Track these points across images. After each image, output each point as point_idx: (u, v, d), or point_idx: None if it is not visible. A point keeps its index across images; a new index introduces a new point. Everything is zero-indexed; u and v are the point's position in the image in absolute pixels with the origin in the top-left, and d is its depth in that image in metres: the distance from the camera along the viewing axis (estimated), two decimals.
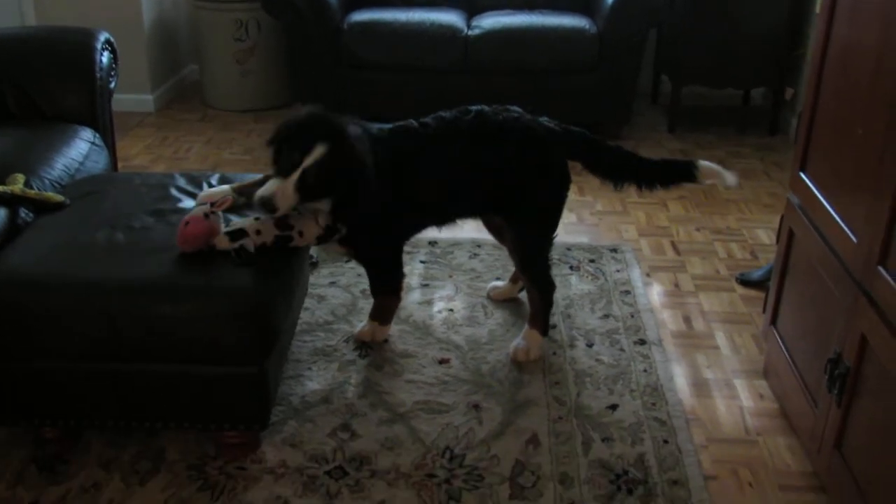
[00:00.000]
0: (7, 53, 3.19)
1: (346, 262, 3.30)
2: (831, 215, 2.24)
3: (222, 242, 2.26)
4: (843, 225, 2.16)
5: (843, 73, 2.25)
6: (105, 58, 3.24)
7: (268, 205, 2.26)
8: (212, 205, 2.30)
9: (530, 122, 2.65)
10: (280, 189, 2.27)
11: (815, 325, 2.35)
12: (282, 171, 2.30)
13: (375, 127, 2.55)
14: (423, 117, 2.64)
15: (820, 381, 2.24)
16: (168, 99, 5.47)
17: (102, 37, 3.26)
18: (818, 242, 2.31)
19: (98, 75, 3.18)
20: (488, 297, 3.14)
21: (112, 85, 3.32)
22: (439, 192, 2.61)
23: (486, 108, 2.64)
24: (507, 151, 2.59)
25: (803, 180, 2.45)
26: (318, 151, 2.28)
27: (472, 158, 2.58)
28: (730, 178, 2.68)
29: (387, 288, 2.79)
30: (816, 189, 2.37)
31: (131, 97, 5.09)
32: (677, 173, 2.73)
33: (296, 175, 2.27)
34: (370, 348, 2.81)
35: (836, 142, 2.26)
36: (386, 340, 2.85)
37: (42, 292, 2.14)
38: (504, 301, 3.12)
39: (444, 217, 2.76)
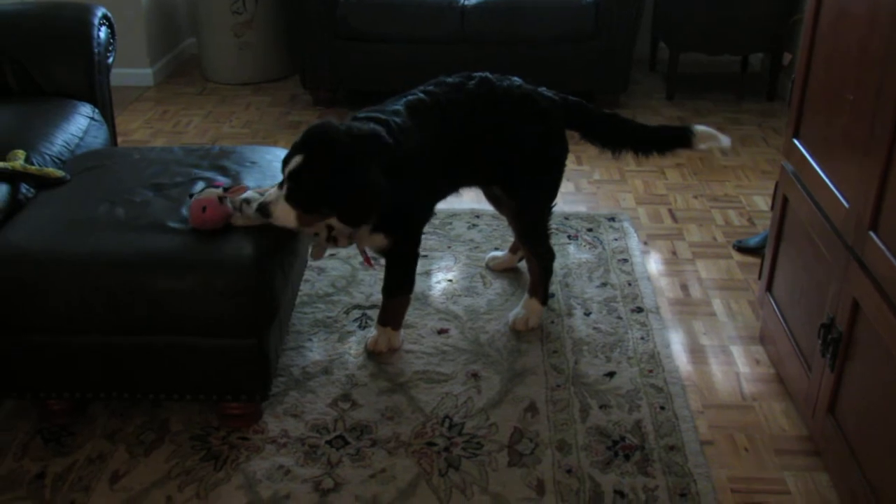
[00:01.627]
0: (4, 29, 3.20)
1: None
2: (823, 181, 2.25)
3: (237, 220, 2.28)
4: (834, 191, 2.18)
5: (834, 39, 2.25)
6: (103, 33, 3.25)
7: (264, 210, 2.25)
8: (225, 189, 2.32)
9: (531, 91, 2.66)
10: (275, 198, 2.26)
11: (808, 291, 2.38)
12: (281, 184, 2.30)
13: (389, 109, 2.48)
14: (426, 84, 2.64)
15: (814, 346, 2.26)
16: (167, 73, 5.47)
17: (100, 12, 3.27)
18: (811, 208, 2.33)
19: (96, 50, 3.19)
20: (487, 267, 3.16)
21: (110, 60, 3.33)
22: (453, 166, 2.59)
23: (489, 74, 2.65)
24: (508, 119, 2.60)
25: (797, 146, 2.47)
26: (295, 161, 2.25)
27: (477, 125, 2.57)
28: (724, 139, 2.72)
29: (405, 284, 2.68)
30: (809, 155, 2.38)
31: (130, 71, 5.10)
32: (673, 138, 2.76)
33: (285, 187, 2.26)
34: (370, 319, 2.83)
35: (828, 108, 2.28)
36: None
37: (43, 267, 2.17)
38: (503, 271, 3.14)
39: (456, 189, 2.76)
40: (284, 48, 5.30)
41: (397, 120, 2.44)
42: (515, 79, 2.68)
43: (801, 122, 2.48)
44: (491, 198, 2.91)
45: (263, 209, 2.25)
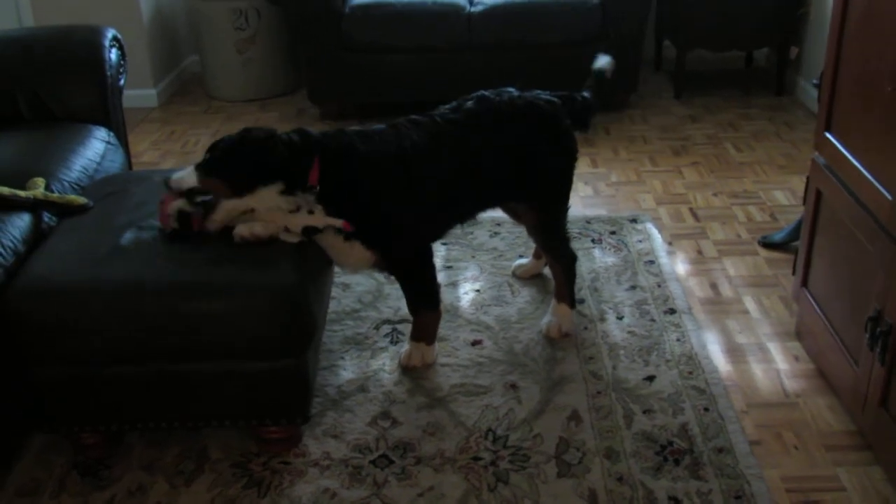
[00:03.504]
0: (15, 56, 3.14)
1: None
2: (862, 174, 2.22)
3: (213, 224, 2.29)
4: (875, 183, 2.14)
5: (867, 30, 2.22)
6: (114, 55, 3.21)
7: (166, 183, 2.29)
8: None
9: (532, 99, 2.63)
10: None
11: (850, 285, 2.34)
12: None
13: (374, 128, 2.46)
14: (419, 115, 2.55)
15: (859, 339, 2.23)
16: (170, 92, 5.42)
17: (110, 33, 3.23)
18: (849, 202, 2.29)
19: (108, 73, 3.14)
20: (514, 275, 3.12)
21: (121, 82, 3.29)
22: (455, 185, 2.53)
23: (484, 92, 2.60)
24: (516, 133, 2.56)
25: (829, 140, 2.43)
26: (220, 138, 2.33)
27: (484, 143, 2.53)
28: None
29: (427, 301, 2.60)
30: (844, 148, 2.35)
31: (134, 93, 5.02)
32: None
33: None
34: (401, 334, 2.79)
35: (864, 100, 2.24)
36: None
37: (74, 298, 2.12)
38: (529, 278, 3.10)
39: (468, 210, 2.71)
40: (289, 62, 5.26)
41: (364, 131, 2.43)
42: (511, 90, 2.64)
43: (832, 115, 2.45)
44: (508, 210, 2.88)
45: (166, 181, 2.30)
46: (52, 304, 2.11)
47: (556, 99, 2.67)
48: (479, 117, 2.54)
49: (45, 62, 3.11)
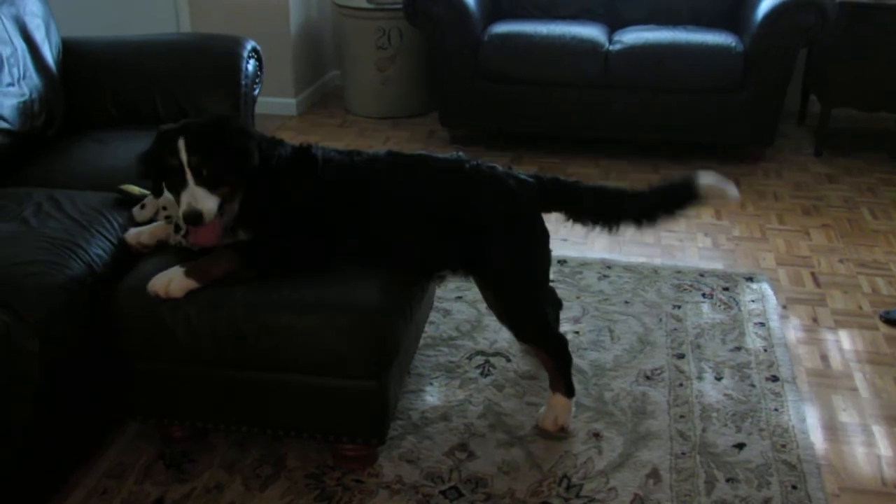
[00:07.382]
0: (159, 59, 3.33)
1: None
2: None
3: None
4: None
5: None
6: (251, 66, 3.33)
7: (196, 218, 2.14)
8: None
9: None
10: (191, 194, 2.14)
11: None
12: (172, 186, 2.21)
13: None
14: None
15: None
16: (310, 103, 5.58)
17: (249, 45, 3.36)
18: None
19: (243, 83, 3.27)
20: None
21: (256, 91, 3.41)
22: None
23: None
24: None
25: None
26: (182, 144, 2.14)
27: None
28: (731, 191, 2.34)
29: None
30: None
31: (275, 100, 5.22)
32: (677, 197, 2.38)
33: (189, 174, 2.14)
34: (493, 367, 2.79)
35: None
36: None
37: (169, 301, 2.19)
38: (625, 331, 3.04)
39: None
40: (425, 85, 5.34)
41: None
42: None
43: None
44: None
45: (192, 217, 2.16)
46: (151, 305, 2.20)
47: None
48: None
49: (186, 68, 3.27)
